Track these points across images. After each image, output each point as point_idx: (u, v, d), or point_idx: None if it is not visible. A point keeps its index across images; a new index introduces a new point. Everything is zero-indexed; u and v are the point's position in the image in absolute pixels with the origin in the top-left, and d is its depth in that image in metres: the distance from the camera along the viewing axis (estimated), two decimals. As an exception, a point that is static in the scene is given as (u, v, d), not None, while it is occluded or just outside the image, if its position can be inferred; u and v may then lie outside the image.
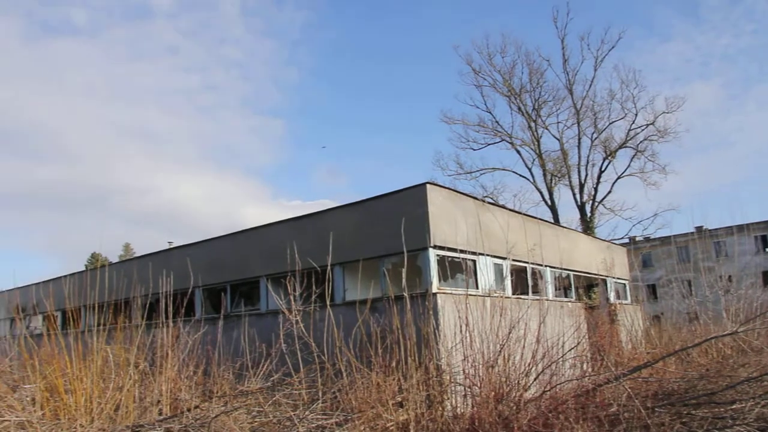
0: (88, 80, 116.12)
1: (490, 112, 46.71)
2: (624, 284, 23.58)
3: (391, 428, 7.93)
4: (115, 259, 55.65)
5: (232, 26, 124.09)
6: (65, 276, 18.41)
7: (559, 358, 8.93)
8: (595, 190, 43.13)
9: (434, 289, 12.05)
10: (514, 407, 7.88)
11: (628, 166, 43.13)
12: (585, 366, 10.80)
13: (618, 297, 22.44)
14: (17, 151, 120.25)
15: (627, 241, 45.06)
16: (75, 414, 7.78)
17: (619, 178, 42.93)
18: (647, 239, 50.12)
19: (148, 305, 12.53)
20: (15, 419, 7.23)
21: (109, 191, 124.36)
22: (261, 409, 8.26)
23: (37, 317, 23.79)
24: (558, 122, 45.06)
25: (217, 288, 17.33)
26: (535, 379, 8.52)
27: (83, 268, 43.47)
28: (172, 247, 21.00)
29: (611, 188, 42.93)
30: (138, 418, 8.21)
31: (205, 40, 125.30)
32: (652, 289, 59.87)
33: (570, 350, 9.61)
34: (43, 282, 22.88)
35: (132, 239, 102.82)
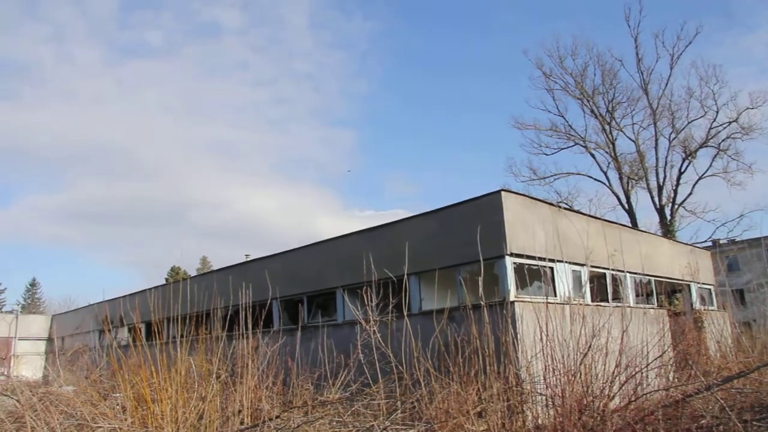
0: (162, 98, 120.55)
1: (562, 116, 45.76)
2: (709, 289, 22.62)
3: (471, 439, 7.82)
4: (193, 272, 57.50)
5: (300, 39, 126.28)
6: (149, 289, 19.07)
7: (643, 368, 8.61)
8: (675, 192, 41.63)
9: (512, 298, 11.86)
10: (599, 418, 7.64)
11: (710, 166, 41.42)
12: (671, 376, 10.39)
13: (703, 303, 21.54)
14: (99, 170, 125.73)
15: (711, 244, 43.17)
16: (161, 422, 8.00)
17: (700, 178, 41.30)
18: (733, 242, 47.89)
19: (227, 317, 12.81)
20: (107, 426, 7.51)
21: (184, 206, 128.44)
22: (341, 419, 8.29)
23: (123, 329, 24.72)
24: (633, 123, 43.72)
25: (295, 299, 17.57)
26: (619, 389, 8.23)
27: (164, 282, 45.04)
28: (249, 259, 21.46)
29: (692, 190, 41.30)
30: (220, 427, 8.38)
31: (275, 55, 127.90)
32: (740, 294, 57.21)
33: (655, 359, 9.25)
34: (129, 295, 23.78)
35: (208, 252, 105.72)
